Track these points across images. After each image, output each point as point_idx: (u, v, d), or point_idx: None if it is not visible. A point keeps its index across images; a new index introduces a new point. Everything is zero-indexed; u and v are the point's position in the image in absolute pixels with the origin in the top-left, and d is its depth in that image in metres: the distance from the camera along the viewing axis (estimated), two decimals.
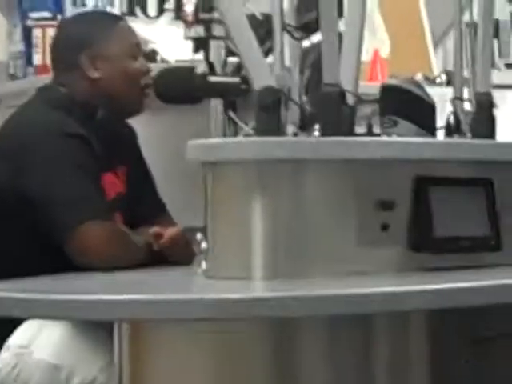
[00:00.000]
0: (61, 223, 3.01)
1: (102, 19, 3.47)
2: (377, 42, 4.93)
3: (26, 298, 2.18)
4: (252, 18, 3.83)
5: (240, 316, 2.05)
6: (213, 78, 2.89)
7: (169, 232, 3.13)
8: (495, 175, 2.52)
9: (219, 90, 2.93)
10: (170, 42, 4.37)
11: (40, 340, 3.03)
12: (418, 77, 4.75)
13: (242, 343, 2.22)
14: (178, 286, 2.55)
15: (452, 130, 2.90)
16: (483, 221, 2.48)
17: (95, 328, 2.76)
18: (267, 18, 3.77)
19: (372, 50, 4.81)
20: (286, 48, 3.73)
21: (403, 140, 2.60)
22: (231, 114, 3.76)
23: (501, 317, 2.35)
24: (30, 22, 4.47)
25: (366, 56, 4.90)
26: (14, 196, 3.05)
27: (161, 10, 5.12)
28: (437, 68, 5.13)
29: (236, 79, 2.87)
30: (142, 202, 3.35)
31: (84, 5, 4.62)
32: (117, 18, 3.40)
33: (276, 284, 2.27)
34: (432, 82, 4.78)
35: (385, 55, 4.91)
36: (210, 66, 2.95)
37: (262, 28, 3.76)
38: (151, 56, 4.42)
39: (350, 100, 2.52)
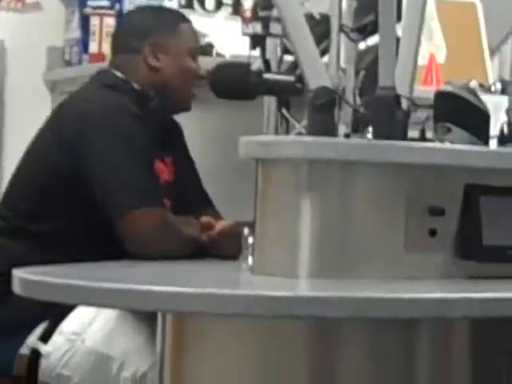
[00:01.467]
0: (115, 205, 3.01)
1: (170, 15, 3.53)
2: (433, 46, 4.92)
3: (75, 284, 2.21)
4: (309, 18, 3.84)
5: (282, 314, 2.06)
6: (268, 76, 2.89)
7: (221, 224, 3.14)
8: None
9: (274, 87, 2.93)
10: (226, 36, 4.38)
11: (93, 328, 3.05)
12: (473, 84, 4.73)
13: (283, 340, 2.23)
14: (224, 281, 2.56)
15: (505, 139, 2.90)
16: None
17: (150, 322, 2.75)
18: (325, 19, 3.78)
19: (428, 54, 4.80)
20: (342, 49, 3.74)
21: (456, 147, 2.59)
22: (284, 111, 3.77)
23: None
24: (87, 10, 4.49)
25: (421, 60, 4.89)
26: (72, 173, 3.06)
27: (219, 5, 5.14)
28: (492, 76, 5.11)
29: (291, 78, 2.87)
30: (189, 193, 3.37)
31: None
32: (183, 18, 3.43)
33: (320, 283, 2.27)
34: (487, 89, 4.75)
35: (440, 60, 4.90)
36: (266, 63, 2.96)
37: (319, 28, 3.77)
38: (207, 50, 4.44)
39: (405, 104, 2.52)
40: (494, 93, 4.43)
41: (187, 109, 3.35)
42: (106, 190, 3.03)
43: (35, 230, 3.12)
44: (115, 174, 3.02)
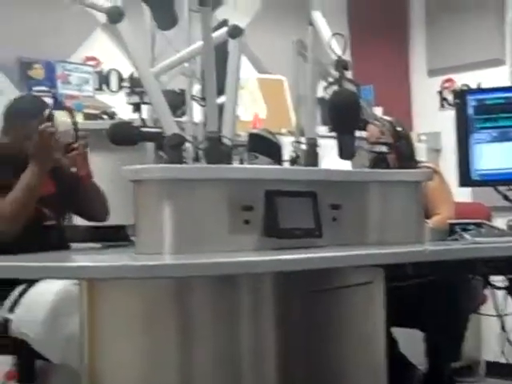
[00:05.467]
0: None
1: None
2: (257, 108, 4.97)
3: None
4: (172, 92, 3.85)
5: (149, 276, 2.06)
6: (143, 129, 2.84)
7: None
8: (318, 189, 2.54)
9: (147, 136, 2.87)
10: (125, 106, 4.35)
11: (41, 303, 2.88)
12: (283, 131, 4.78)
13: (155, 294, 2.23)
14: (119, 259, 2.51)
15: (294, 161, 2.95)
16: (310, 218, 2.50)
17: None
18: (182, 92, 3.80)
19: (254, 113, 4.84)
20: (195, 110, 3.73)
21: (259, 167, 2.64)
22: (160, 152, 3.74)
23: (321, 278, 2.37)
24: (33, 93, 4.42)
25: (250, 117, 4.94)
26: None
27: (120, 87, 5.11)
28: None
29: (159, 129, 2.82)
30: None
31: (69, 83, 4.61)
32: None
33: (176, 257, 2.27)
34: (292, 133, 4.80)
35: (262, 117, 4.94)
36: (143, 121, 2.93)
37: (179, 98, 3.79)
38: (113, 116, 4.40)
39: (228, 142, 2.53)
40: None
41: None
42: None
43: None
44: None
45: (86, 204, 3.20)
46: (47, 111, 2.92)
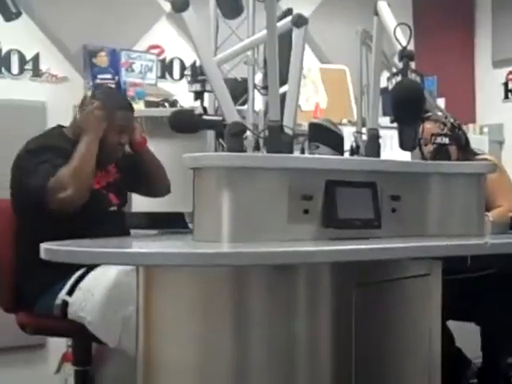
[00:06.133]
0: None
1: None
2: (318, 98, 4.93)
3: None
4: (234, 80, 3.85)
5: (209, 264, 2.06)
6: (205, 117, 2.84)
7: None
8: (378, 180, 2.52)
9: (208, 124, 2.87)
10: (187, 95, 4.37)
11: (99, 286, 2.95)
12: (344, 121, 4.75)
13: (212, 282, 2.20)
14: (176, 246, 2.55)
15: (354, 151, 2.92)
16: (370, 209, 2.49)
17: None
18: (244, 81, 3.79)
19: (315, 103, 4.81)
20: (256, 99, 3.73)
21: (320, 157, 2.62)
22: (220, 140, 3.75)
23: (378, 268, 2.35)
24: (97, 81, 4.46)
25: (311, 107, 4.91)
26: None
27: (181, 75, 5.13)
28: (356, 115, 5.13)
29: (219, 117, 2.82)
30: None
31: (133, 71, 4.64)
32: None
33: (235, 245, 2.26)
34: (353, 124, 4.77)
35: (323, 107, 4.91)
36: (204, 109, 2.93)
37: (241, 86, 3.78)
38: (174, 103, 4.42)
39: (289, 131, 2.52)
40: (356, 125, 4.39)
41: None
42: None
43: None
44: None
45: (146, 174, 3.25)
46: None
